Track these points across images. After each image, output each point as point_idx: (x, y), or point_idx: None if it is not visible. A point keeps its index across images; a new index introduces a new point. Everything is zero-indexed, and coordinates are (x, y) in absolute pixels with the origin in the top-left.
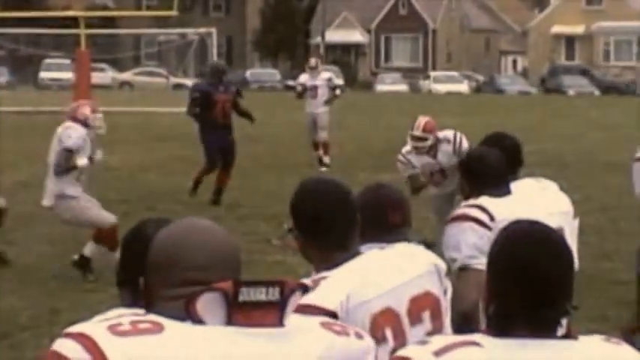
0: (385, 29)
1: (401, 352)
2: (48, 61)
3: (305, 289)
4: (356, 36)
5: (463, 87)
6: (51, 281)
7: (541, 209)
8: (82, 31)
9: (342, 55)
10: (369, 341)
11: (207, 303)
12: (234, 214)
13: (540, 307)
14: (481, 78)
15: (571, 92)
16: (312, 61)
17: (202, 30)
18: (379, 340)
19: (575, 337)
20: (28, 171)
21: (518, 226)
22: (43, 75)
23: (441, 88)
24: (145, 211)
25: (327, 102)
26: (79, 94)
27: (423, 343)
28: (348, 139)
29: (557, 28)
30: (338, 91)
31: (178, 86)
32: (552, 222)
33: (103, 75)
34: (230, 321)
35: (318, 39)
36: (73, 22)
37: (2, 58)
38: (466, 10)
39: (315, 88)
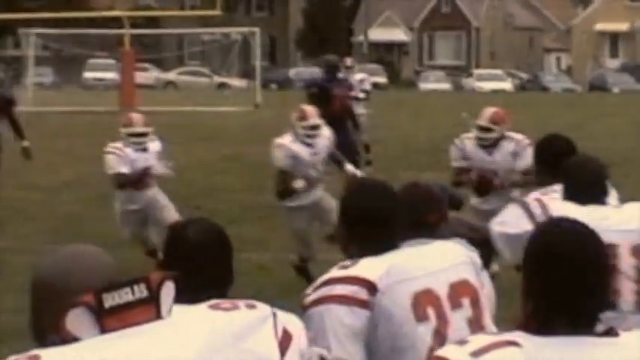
0: (428, 27)
1: (439, 352)
2: (92, 61)
3: (172, 278)
4: (399, 34)
5: (507, 85)
6: None
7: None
8: (127, 31)
9: (385, 54)
10: (263, 309)
11: (75, 320)
12: (279, 214)
13: (579, 304)
14: (525, 76)
15: (615, 90)
16: (349, 60)
17: (246, 29)
18: (420, 318)
19: (615, 334)
20: (73, 171)
21: (555, 223)
22: (88, 75)
23: (485, 85)
24: (192, 210)
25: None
26: (123, 94)
27: (461, 343)
28: (391, 137)
29: (601, 26)
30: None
31: (222, 85)
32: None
33: (147, 75)
34: (104, 329)
35: (361, 37)
36: (117, 22)
37: (47, 59)
38: (509, 7)
39: None
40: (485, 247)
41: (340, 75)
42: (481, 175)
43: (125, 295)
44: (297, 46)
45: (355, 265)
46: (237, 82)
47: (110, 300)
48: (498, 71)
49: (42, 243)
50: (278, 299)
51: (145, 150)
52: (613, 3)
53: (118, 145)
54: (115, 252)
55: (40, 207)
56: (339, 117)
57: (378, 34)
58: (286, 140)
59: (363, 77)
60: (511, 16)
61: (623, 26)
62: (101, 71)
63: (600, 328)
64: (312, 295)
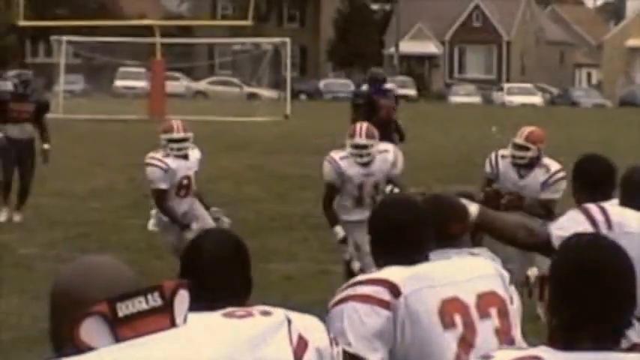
0: (459, 40)
1: None
2: (123, 69)
3: (186, 287)
4: (430, 47)
5: (537, 99)
6: None
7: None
8: (158, 40)
9: (415, 66)
10: (277, 316)
11: (89, 329)
12: (306, 224)
13: (604, 319)
14: (555, 90)
15: None
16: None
17: (277, 40)
18: (447, 325)
19: None
20: (101, 178)
21: (581, 238)
22: (118, 83)
23: (515, 100)
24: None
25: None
26: (153, 102)
27: (486, 357)
28: (421, 150)
29: (632, 42)
30: None
31: (252, 96)
32: None
33: (178, 84)
34: (118, 338)
35: (392, 49)
36: (149, 31)
37: (78, 66)
38: (541, 22)
39: None
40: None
41: (386, 86)
42: (509, 200)
43: (139, 304)
44: (328, 57)
45: (381, 270)
46: (267, 93)
47: (124, 309)
48: (528, 85)
49: (69, 250)
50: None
51: (185, 157)
52: None
53: (158, 155)
54: (141, 261)
55: (68, 214)
56: (385, 128)
57: (409, 46)
58: (337, 155)
59: (391, 87)
60: (542, 30)
61: None
62: (131, 80)
63: (625, 343)
64: (337, 295)
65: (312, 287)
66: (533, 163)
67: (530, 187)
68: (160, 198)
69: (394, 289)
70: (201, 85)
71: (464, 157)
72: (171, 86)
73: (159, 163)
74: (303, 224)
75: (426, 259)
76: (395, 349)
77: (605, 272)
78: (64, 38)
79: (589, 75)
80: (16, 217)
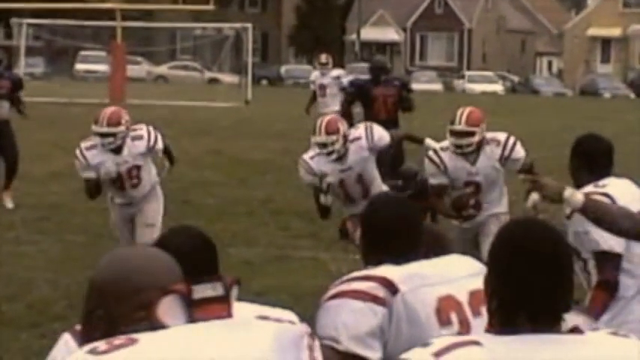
0: (421, 28)
1: (403, 355)
2: (84, 53)
3: (238, 283)
4: (391, 34)
5: (498, 87)
6: (84, 271)
7: None
8: (119, 24)
9: (377, 53)
10: (302, 327)
11: (167, 306)
12: (267, 209)
13: (542, 302)
14: (516, 79)
15: (606, 95)
16: (323, 57)
17: (238, 25)
18: (444, 322)
19: (580, 332)
20: (62, 162)
21: (520, 222)
22: (79, 67)
23: (476, 87)
24: (179, 204)
25: (346, 115)
26: (113, 86)
27: (424, 345)
28: None
29: (593, 31)
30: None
31: (213, 81)
32: None
33: (139, 68)
34: (192, 319)
35: (354, 36)
36: (110, 14)
37: (39, 49)
38: (502, 10)
39: (323, 87)
40: None
41: (386, 77)
42: (466, 184)
43: (209, 290)
44: (290, 43)
45: (376, 268)
46: (228, 78)
47: (199, 292)
48: (490, 73)
49: (28, 233)
50: (263, 295)
51: (116, 151)
52: (606, 8)
53: (84, 145)
54: (100, 245)
55: (28, 197)
56: (384, 120)
57: (371, 33)
58: (307, 155)
59: (339, 74)
60: (504, 18)
61: (615, 32)
62: (92, 63)
63: (565, 326)
64: (331, 290)
65: (271, 272)
66: (479, 147)
67: (485, 169)
68: (87, 186)
69: (390, 287)
70: (162, 69)
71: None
72: (132, 70)
73: (79, 156)
74: (263, 209)
75: (417, 258)
76: (388, 346)
77: (543, 255)
78: (25, 21)
79: (550, 63)
80: (9, 204)
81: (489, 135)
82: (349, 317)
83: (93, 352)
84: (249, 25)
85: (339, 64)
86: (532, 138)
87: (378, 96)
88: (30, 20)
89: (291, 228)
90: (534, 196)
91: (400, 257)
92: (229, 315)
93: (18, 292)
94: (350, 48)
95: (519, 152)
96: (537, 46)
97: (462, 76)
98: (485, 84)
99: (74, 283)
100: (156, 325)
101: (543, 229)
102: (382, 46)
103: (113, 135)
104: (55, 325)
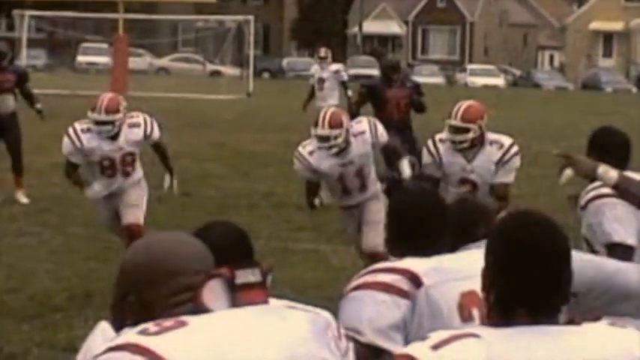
0: (423, 21)
1: (402, 350)
2: (85, 44)
3: (272, 270)
4: (393, 27)
5: (499, 81)
6: (85, 263)
7: None
8: (121, 16)
9: (379, 46)
10: (328, 316)
11: (212, 290)
12: (269, 202)
13: (540, 294)
14: (518, 72)
15: (608, 89)
16: (322, 51)
17: (240, 18)
18: (465, 318)
19: (578, 324)
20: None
21: (516, 214)
22: (81, 59)
23: (478, 81)
24: (180, 196)
25: (354, 116)
26: (115, 78)
27: (422, 339)
28: None
29: (595, 25)
30: (350, 92)
31: (215, 73)
32: None
33: (140, 60)
34: (234, 303)
35: (356, 29)
36: (112, 6)
37: (40, 41)
38: (505, 4)
39: (322, 80)
40: None
41: (397, 76)
42: (461, 181)
43: (250, 276)
44: (292, 36)
45: (401, 260)
46: (229, 70)
47: (241, 277)
48: (491, 67)
49: (30, 224)
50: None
51: (113, 138)
52: (608, 2)
53: (79, 127)
54: (101, 236)
55: (29, 189)
56: (396, 123)
57: (373, 26)
58: (305, 150)
59: (337, 68)
60: (506, 12)
61: (617, 26)
62: (94, 55)
63: (562, 319)
64: (354, 281)
65: (274, 265)
66: (476, 144)
67: (481, 169)
68: (67, 168)
69: (415, 280)
70: (164, 61)
71: (426, 138)
72: (134, 62)
73: (73, 137)
74: (265, 202)
75: (442, 251)
76: (409, 339)
77: (542, 248)
78: (27, 12)
79: (552, 57)
80: (22, 199)
81: (494, 136)
82: (373, 309)
83: (144, 332)
84: (251, 18)
85: (341, 57)
86: (534, 131)
87: (391, 98)
88: (32, 12)
89: (293, 220)
90: (568, 172)
91: (425, 250)
92: (267, 301)
93: (19, 284)
94: (352, 41)
95: (516, 163)
96: (539, 39)
97: (464, 70)
98: (487, 77)
99: (75, 274)
100: (200, 309)
101: (539, 222)
102: (384, 40)
103: (112, 123)
104: (56, 316)
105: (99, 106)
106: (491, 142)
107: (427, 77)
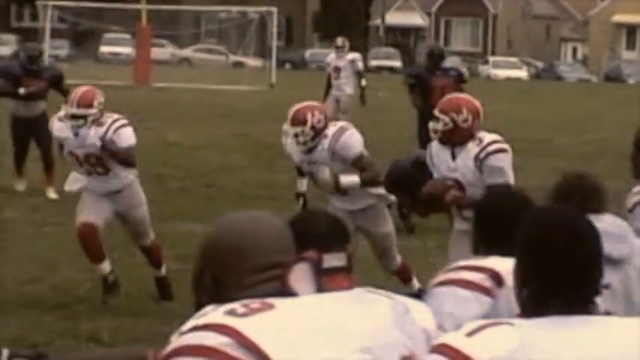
0: (446, 13)
1: (438, 341)
2: (108, 35)
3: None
4: (416, 19)
5: (522, 73)
6: (110, 254)
7: None
8: (144, 7)
9: (401, 38)
10: (406, 301)
11: (299, 274)
12: (291, 193)
13: (573, 287)
14: (540, 65)
15: (631, 81)
16: (339, 40)
17: (263, 9)
18: None
19: (610, 315)
20: None
21: (546, 209)
22: (104, 49)
23: (500, 73)
24: (203, 187)
25: (363, 101)
26: (138, 69)
27: (457, 327)
28: (405, 122)
29: (618, 17)
30: (364, 82)
31: (237, 64)
32: None
33: (163, 51)
34: (320, 288)
35: (378, 21)
36: None
37: (63, 32)
38: None
39: (338, 69)
40: None
41: (446, 65)
42: (428, 193)
43: (336, 260)
44: (314, 27)
45: (485, 258)
46: (252, 61)
47: (328, 261)
48: (514, 59)
49: (53, 215)
50: None
51: (77, 134)
52: None
53: (59, 114)
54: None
55: None
56: None
57: (395, 17)
58: (288, 140)
59: (354, 57)
60: (529, 4)
61: None
62: (117, 46)
63: (594, 310)
64: (439, 277)
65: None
66: (450, 138)
67: (463, 167)
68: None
69: (498, 279)
70: (187, 52)
71: None
72: (157, 53)
73: (51, 121)
74: (288, 192)
75: None
76: None
77: (571, 240)
78: (50, 3)
79: (574, 50)
80: (52, 195)
81: (482, 134)
82: (455, 305)
83: (232, 313)
84: (274, 9)
85: (363, 48)
86: (556, 124)
87: (436, 86)
88: (55, 2)
89: None
90: None
91: (510, 250)
92: (351, 286)
93: (42, 274)
94: (374, 33)
95: (496, 161)
96: (562, 32)
97: (487, 62)
98: (509, 70)
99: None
100: (286, 292)
101: (568, 217)
102: (407, 31)
103: (83, 117)
104: (80, 306)
105: (72, 98)
106: (475, 138)
107: None
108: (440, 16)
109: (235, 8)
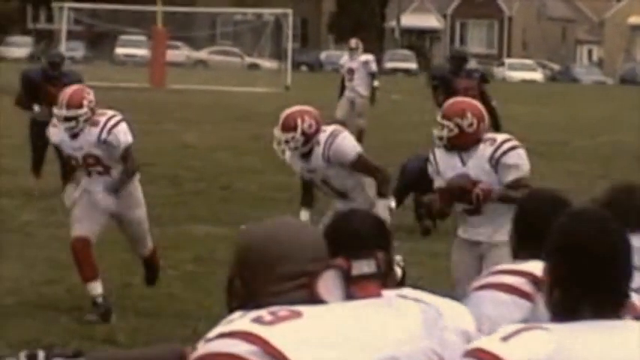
0: (461, 15)
1: (472, 345)
2: (124, 37)
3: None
4: (431, 21)
5: (537, 75)
6: (124, 255)
7: None
8: (159, 8)
9: (417, 40)
10: (438, 306)
11: (328, 281)
12: None
13: (604, 290)
14: (556, 67)
15: None
16: (353, 42)
17: (278, 11)
18: None
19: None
20: None
21: (576, 212)
22: (119, 51)
23: (516, 75)
24: (218, 190)
25: (372, 101)
26: (153, 71)
27: (491, 332)
28: (421, 123)
29: (634, 19)
30: (376, 83)
31: (253, 66)
32: None
33: (178, 53)
34: (349, 295)
35: (394, 23)
36: None
37: (79, 33)
38: None
39: (351, 70)
40: None
41: (470, 66)
42: (458, 189)
43: (365, 267)
44: (329, 29)
45: (525, 262)
46: (267, 63)
47: (357, 269)
48: (529, 61)
49: (68, 217)
50: None
51: (74, 136)
52: None
53: (55, 120)
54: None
55: None
56: None
57: (411, 20)
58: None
59: (367, 59)
60: (544, 6)
61: None
62: (132, 47)
63: (625, 313)
64: (477, 281)
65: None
66: (456, 144)
67: (476, 169)
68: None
69: (538, 283)
70: (202, 54)
71: None
72: (172, 55)
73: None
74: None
75: None
76: None
77: (601, 243)
78: (66, 4)
79: (590, 52)
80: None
81: (490, 135)
82: (493, 309)
83: (258, 321)
84: (289, 11)
85: (378, 51)
86: (572, 126)
87: (460, 89)
88: (71, 4)
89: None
90: None
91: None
92: (380, 294)
93: (58, 276)
94: (390, 35)
95: (513, 158)
96: (578, 34)
97: (502, 64)
98: (525, 72)
99: (113, 266)
100: (314, 299)
101: (599, 220)
102: (422, 33)
103: (74, 118)
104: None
105: (61, 100)
106: (485, 140)
107: None
108: (455, 18)
109: (251, 10)
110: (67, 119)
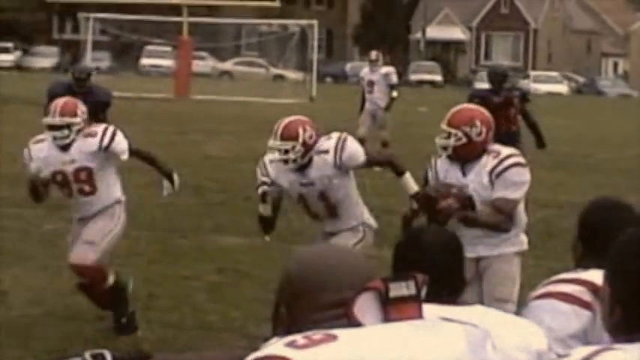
0: (486, 27)
1: None
2: (149, 47)
3: (427, 282)
4: (457, 33)
5: (563, 88)
6: (149, 266)
7: None
8: (185, 19)
9: (442, 52)
10: (484, 329)
11: (364, 304)
12: None
13: None
14: (581, 79)
15: None
16: (373, 54)
17: (304, 22)
18: None
19: None
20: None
21: (634, 234)
22: (144, 61)
23: (541, 88)
24: (242, 201)
25: (387, 109)
26: (179, 82)
27: (564, 356)
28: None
29: None
30: (395, 94)
31: (278, 77)
32: None
33: (204, 63)
34: (386, 318)
35: (419, 35)
36: (176, 9)
37: (105, 44)
38: (569, 10)
39: (372, 83)
40: None
41: (508, 85)
42: (426, 194)
43: (404, 289)
44: (355, 41)
45: (586, 271)
46: (292, 75)
47: (395, 290)
48: (555, 74)
49: None
50: None
51: (64, 148)
52: None
53: (38, 137)
54: (165, 240)
55: None
56: (506, 129)
57: (436, 32)
58: (267, 158)
59: (388, 71)
60: (570, 18)
61: None
62: (158, 58)
63: None
64: (538, 290)
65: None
66: (461, 154)
67: (475, 181)
68: (31, 186)
69: (597, 292)
70: (227, 65)
71: None
72: (197, 66)
73: (26, 149)
74: None
75: None
76: None
77: None
78: (92, 15)
79: (615, 65)
80: None
81: (496, 147)
82: (553, 319)
83: (291, 345)
84: (314, 22)
85: (404, 62)
86: (597, 139)
87: (499, 108)
88: (97, 15)
89: None
90: None
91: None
92: (420, 316)
93: None
94: (415, 47)
95: (516, 175)
96: (603, 46)
97: (527, 76)
98: (550, 84)
99: (139, 278)
100: (351, 323)
101: None
102: (447, 45)
103: (67, 127)
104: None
105: (54, 109)
106: (490, 152)
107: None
108: (481, 31)
109: (276, 21)
110: (60, 127)
